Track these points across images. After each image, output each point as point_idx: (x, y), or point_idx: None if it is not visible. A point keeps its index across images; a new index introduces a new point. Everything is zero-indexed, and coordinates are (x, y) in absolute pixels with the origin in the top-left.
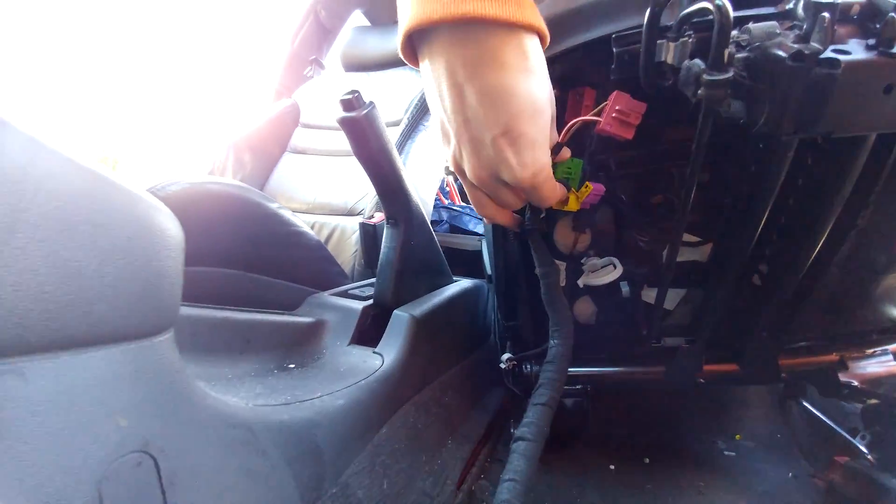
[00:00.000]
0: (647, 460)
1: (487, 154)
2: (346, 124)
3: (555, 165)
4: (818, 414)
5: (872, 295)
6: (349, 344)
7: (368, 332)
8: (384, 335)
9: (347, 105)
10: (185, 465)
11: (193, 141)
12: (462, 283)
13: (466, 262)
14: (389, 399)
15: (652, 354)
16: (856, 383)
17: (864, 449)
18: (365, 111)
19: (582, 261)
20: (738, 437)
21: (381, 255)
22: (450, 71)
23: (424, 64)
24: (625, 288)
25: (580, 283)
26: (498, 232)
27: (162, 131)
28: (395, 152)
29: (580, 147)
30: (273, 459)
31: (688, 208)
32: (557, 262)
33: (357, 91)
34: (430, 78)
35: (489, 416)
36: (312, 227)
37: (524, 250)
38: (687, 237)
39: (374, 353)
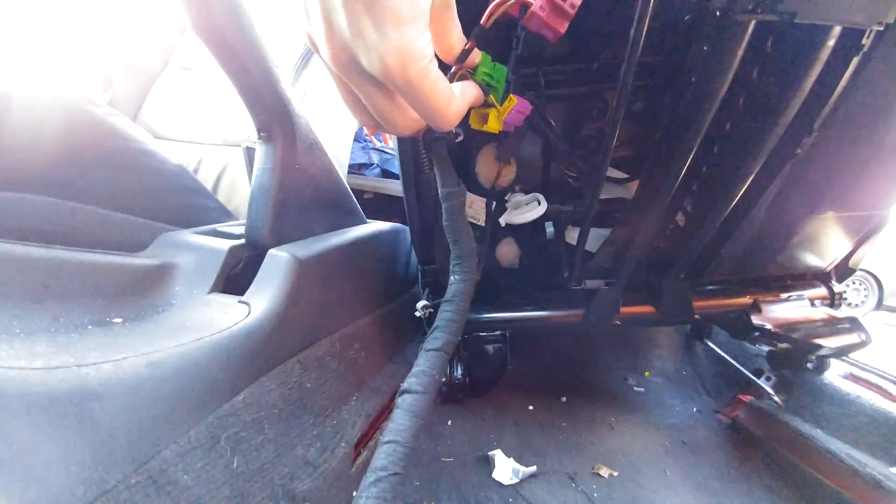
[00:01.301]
0: (563, 399)
1: (339, 24)
2: None
3: (472, 70)
4: (722, 354)
5: (791, 241)
6: (210, 292)
7: (239, 279)
8: (255, 280)
9: None
10: None
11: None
12: (375, 225)
13: (399, 211)
14: (255, 358)
15: (572, 297)
16: (769, 326)
17: (769, 390)
18: None
19: (506, 197)
20: (646, 373)
21: (252, 181)
22: None
23: None
24: (549, 229)
25: (503, 221)
26: (408, 159)
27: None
28: (257, 32)
29: (502, 50)
30: None
31: (618, 124)
32: (479, 197)
33: None
34: None
35: (408, 367)
36: (200, 162)
37: None
38: (614, 173)
39: (239, 302)
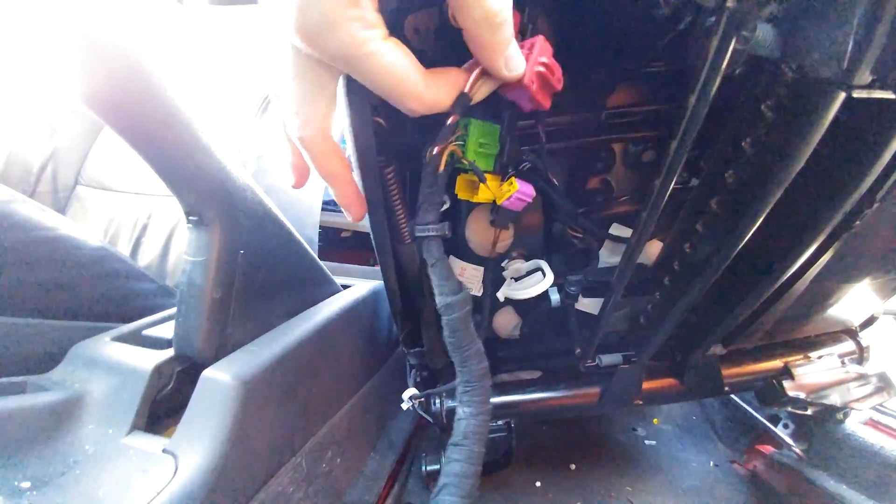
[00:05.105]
0: (573, 466)
1: None
2: None
3: (462, 139)
4: (734, 397)
5: (828, 303)
6: (129, 432)
7: (168, 403)
8: (184, 416)
9: None
10: None
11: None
12: (351, 293)
13: None
14: None
15: (584, 375)
16: (803, 396)
17: (788, 440)
18: None
19: (503, 264)
20: (655, 421)
21: (181, 280)
22: None
23: None
24: (554, 296)
25: (501, 296)
26: (380, 226)
27: None
28: (172, 96)
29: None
30: None
31: (665, 196)
32: (472, 266)
33: None
34: None
35: (395, 453)
36: (150, 217)
37: None
38: (620, 230)
39: (164, 452)
